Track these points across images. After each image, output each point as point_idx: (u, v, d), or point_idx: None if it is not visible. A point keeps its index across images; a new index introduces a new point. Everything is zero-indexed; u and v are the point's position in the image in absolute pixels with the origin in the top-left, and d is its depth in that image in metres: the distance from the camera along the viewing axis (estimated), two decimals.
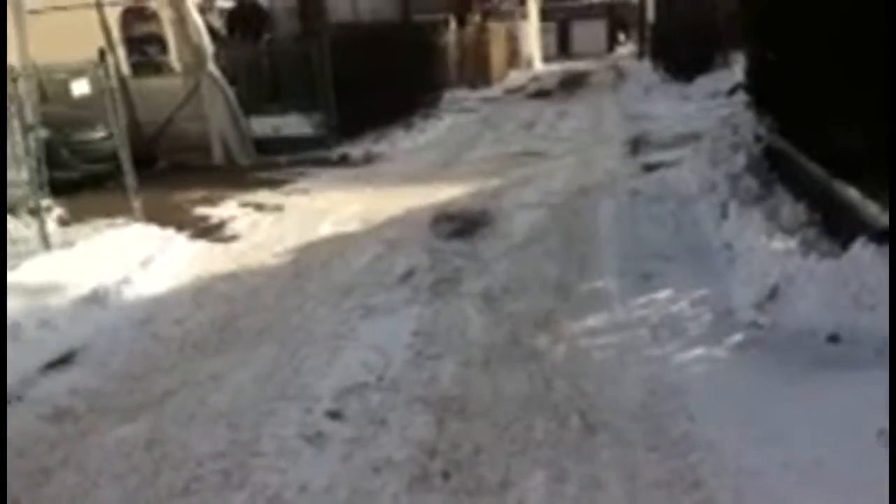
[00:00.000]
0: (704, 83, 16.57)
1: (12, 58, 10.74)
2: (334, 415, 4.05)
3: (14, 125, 8.14)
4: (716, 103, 14.00)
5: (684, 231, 6.89)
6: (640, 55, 29.48)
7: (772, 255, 5.27)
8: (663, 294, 5.33)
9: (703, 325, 4.79)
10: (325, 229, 7.97)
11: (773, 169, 7.75)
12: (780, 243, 5.48)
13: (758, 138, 8.52)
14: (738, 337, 4.54)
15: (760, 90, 8.53)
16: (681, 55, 18.39)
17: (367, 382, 4.39)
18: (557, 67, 33.56)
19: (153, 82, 12.97)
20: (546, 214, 7.96)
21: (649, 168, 9.74)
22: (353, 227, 7.98)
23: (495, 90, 22.86)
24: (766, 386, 3.95)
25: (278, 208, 9.09)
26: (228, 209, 9.13)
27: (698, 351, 4.43)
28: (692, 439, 3.53)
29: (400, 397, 4.19)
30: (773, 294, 4.85)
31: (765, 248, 5.46)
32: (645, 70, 24.13)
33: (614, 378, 4.19)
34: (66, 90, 11.05)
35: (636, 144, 11.71)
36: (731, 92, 13.08)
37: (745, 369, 4.18)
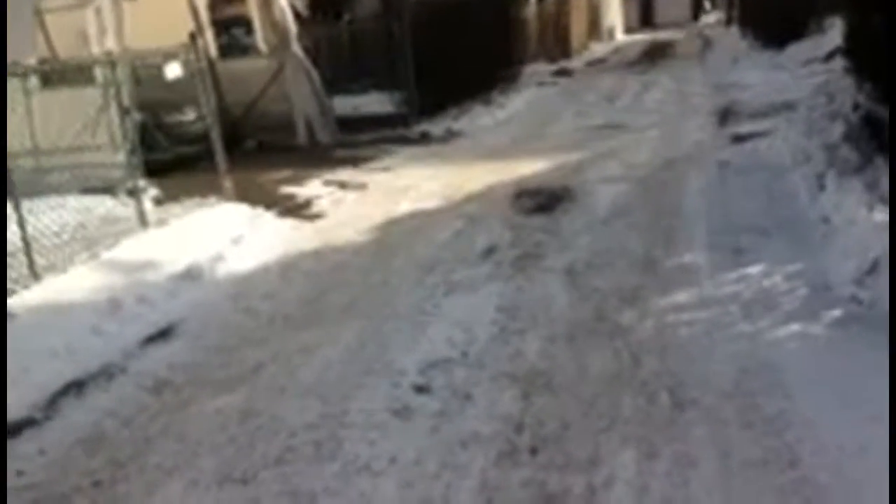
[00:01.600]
0: (797, 50, 15.84)
1: (110, 43, 11.20)
2: (421, 389, 4.09)
3: (112, 109, 8.51)
4: (809, 71, 13.40)
5: (778, 203, 6.64)
6: (727, 23, 28.47)
7: (873, 228, 5.03)
8: (755, 269, 5.17)
9: (798, 300, 4.62)
10: (407, 206, 8.03)
11: (873, 138, 7.35)
12: (881, 215, 5.22)
13: (856, 106, 8.10)
14: (836, 313, 4.36)
15: (861, 55, 8.10)
16: (771, 21, 17.64)
17: (452, 358, 4.41)
18: (640, 38, 32.83)
19: (240, 64, 13.27)
20: (630, 188, 7.81)
21: (739, 139, 9.41)
22: (434, 203, 8.02)
23: (576, 63, 22.49)
24: (866, 363, 3.78)
25: (361, 186, 9.20)
26: (313, 188, 9.30)
27: (793, 327, 4.28)
28: (788, 417, 3.42)
29: (485, 372, 4.20)
30: (874, 268, 4.63)
31: (865, 221, 5.22)
32: (733, 38, 23.31)
33: (704, 355, 4.09)
34: (159, 74, 11.43)
35: (725, 115, 11.33)
36: (829, 57, 12.49)
37: (844, 346, 4.01)
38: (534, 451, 3.43)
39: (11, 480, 3.59)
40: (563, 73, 19.93)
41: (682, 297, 4.92)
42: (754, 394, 3.65)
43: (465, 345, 4.55)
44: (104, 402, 4.31)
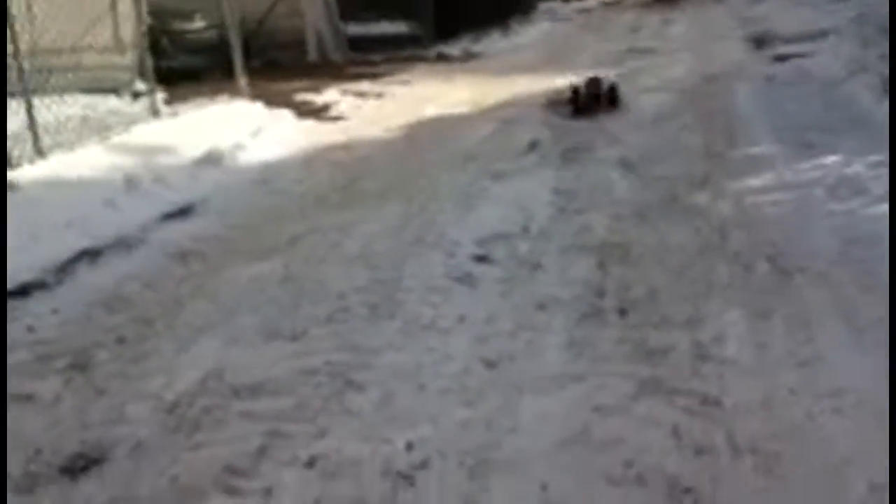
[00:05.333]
0: None
1: None
2: (481, 258, 3.67)
3: (121, 10, 7.97)
4: (838, 7, 12.83)
5: (837, 108, 6.19)
6: None
7: None
8: (832, 159, 4.74)
9: (886, 185, 4.17)
10: (433, 111, 7.55)
11: None
12: None
13: None
14: None
15: None
16: None
17: (511, 232, 3.99)
18: None
19: None
20: (673, 97, 7.34)
21: (780, 58, 8.92)
22: (461, 109, 7.54)
23: (591, 1, 21.75)
24: None
25: (380, 95, 8.70)
26: (330, 96, 8.77)
27: (887, 206, 3.86)
28: None
29: (551, 245, 3.78)
30: None
31: None
32: None
33: (800, 229, 3.68)
34: None
35: (759, 41, 10.79)
36: None
37: None
38: (623, 313, 3.02)
39: (19, 334, 3.16)
40: (579, 11, 19.22)
41: (757, 182, 4.49)
42: (866, 262, 3.24)
43: (523, 221, 4.12)
44: (124, 268, 3.87)
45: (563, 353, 2.75)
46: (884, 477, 1.91)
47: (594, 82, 7.04)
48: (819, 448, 2.07)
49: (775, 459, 2.04)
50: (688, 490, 1.99)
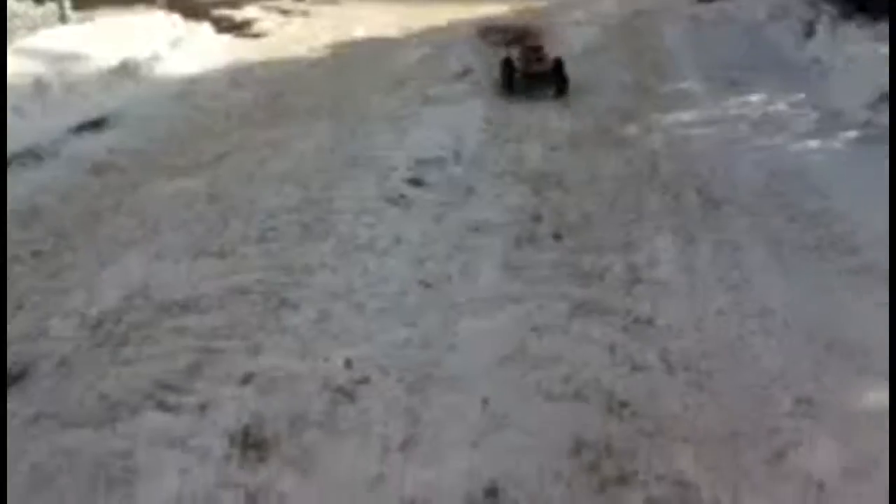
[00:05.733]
0: None
1: None
2: (414, 181, 3.62)
3: None
4: None
5: (761, 49, 6.30)
6: None
7: (879, 61, 4.77)
8: (756, 97, 4.85)
9: (809, 122, 4.34)
10: (361, 33, 7.32)
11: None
12: (883, 51, 4.97)
13: None
14: (851, 133, 4.10)
15: None
16: None
17: (444, 157, 3.94)
18: None
19: None
20: (602, 32, 7.31)
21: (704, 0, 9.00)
22: (391, 32, 7.33)
23: None
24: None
25: (304, 14, 8.36)
26: (251, 12, 8.32)
27: (811, 143, 4.01)
28: (832, 213, 3.14)
29: (485, 171, 3.76)
30: (886, 97, 4.39)
31: (871, 56, 4.96)
32: None
33: (726, 162, 3.76)
34: None
35: None
36: None
37: (867, 160, 3.72)
38: (558, 237, 3.04)
39: None
40: None
41: (685, 116, 4.56)
42: (790, 193, 3.36)
43: (456, 147, 4.08)
44: (36, 179, 3.66)
45: (499, 274, 2.76)
46: (808, 392, 2.01)
47: (534, 54, 5.32)
48: (748, 365, 2.15)
49: (707, 376, 2.12)
50: (624, 404, 2.05)
